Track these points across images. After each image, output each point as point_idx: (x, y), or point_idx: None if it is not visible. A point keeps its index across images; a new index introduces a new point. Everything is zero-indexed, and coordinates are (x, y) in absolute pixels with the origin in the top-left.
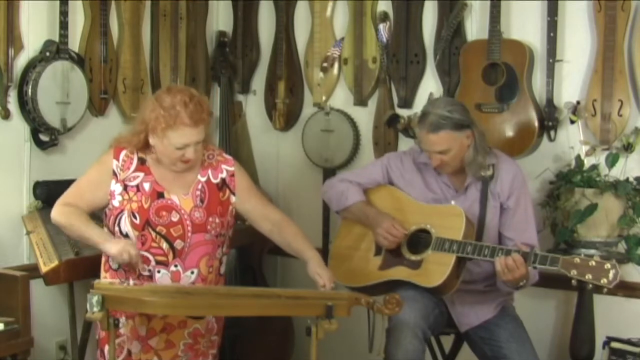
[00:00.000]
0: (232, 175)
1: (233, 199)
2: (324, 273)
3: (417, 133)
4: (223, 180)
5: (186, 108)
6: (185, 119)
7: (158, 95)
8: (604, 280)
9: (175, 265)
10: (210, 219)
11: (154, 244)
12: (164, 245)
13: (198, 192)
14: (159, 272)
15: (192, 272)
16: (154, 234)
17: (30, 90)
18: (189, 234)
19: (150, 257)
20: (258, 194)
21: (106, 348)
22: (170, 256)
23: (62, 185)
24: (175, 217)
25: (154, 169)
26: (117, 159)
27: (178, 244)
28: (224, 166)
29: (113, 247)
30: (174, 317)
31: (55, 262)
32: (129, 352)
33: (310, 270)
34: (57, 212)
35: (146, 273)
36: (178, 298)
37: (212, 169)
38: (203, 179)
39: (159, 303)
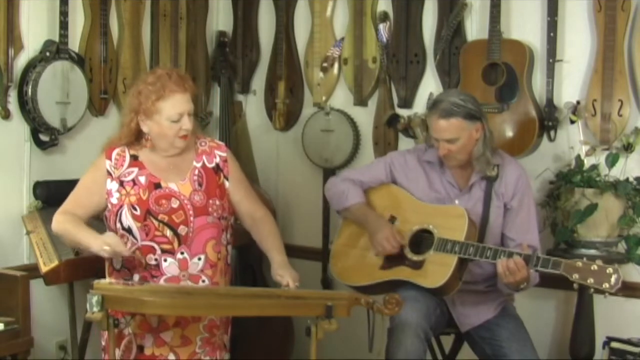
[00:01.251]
0: (225, 161)
1: (227, 184)
2: (286, 273)
3: (428, 120)
4: (217, 165)
5: (170, 78)
6: (173, 87)
7: (139, 79)
8: (605, 285)
9: (182, 253)
10: (211, 201)
11: (157, 233)
12: (168, 232)
13: (195, 177)
14: (165, 260)
15: (200, 259)
16: (156, 223)
17: (30, 90)
18: (192, 218)
19: (156, 246)
20: (248, 187)
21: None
22: (176, 243)
23: (62, 185)
24: (175, 204)
25: (148, 163)
26: (110, 159)
27: (182, 229)
28: (217, 152)
29: (94, 245)
30: None
31: (55, 262)
32: (141, 348)
33: (272, 271)
34: (54, 222)
35: (153, 262)
36: (178, 298)
37: (206, 155)
38: (199, 165)
39: (159, 303)
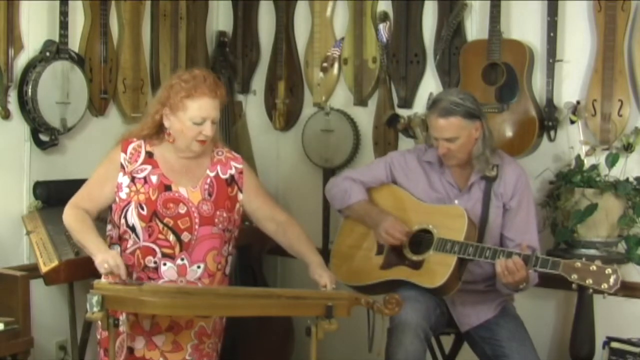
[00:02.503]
0: (241, 172)
1: (241, 196)
2: (325, 274)
3: (427, 119)
4: (232, 176)
5: (205, 80)
6: (205, 89)
7: (174, 74)
8: (604, 285)
9: (182, 259)
10: (218, 213)
11: (160, 236)
12: (171, 237)
13: (206, 186)
14: (164, 264)
15: (199, 267)
16: (161, 226)
17: (30, 90)
18: (197, 227)
19: (157, 249)
20: (265, 194)
21: None
22: (177, 249)
23: (62, 185)
24: (182, 210)
25: (162, 162)
26: (125, 152)
27: (185, 236)
28: (233, 163)
29: (97, 257)
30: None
31: (55, 262)
32: (131, 350)
33: (311, 272)
34: (65, 215)
35: (152, 265)
36: (178, 298)
37: (221, 165)
38: (212, 174)
39: (158, 303)
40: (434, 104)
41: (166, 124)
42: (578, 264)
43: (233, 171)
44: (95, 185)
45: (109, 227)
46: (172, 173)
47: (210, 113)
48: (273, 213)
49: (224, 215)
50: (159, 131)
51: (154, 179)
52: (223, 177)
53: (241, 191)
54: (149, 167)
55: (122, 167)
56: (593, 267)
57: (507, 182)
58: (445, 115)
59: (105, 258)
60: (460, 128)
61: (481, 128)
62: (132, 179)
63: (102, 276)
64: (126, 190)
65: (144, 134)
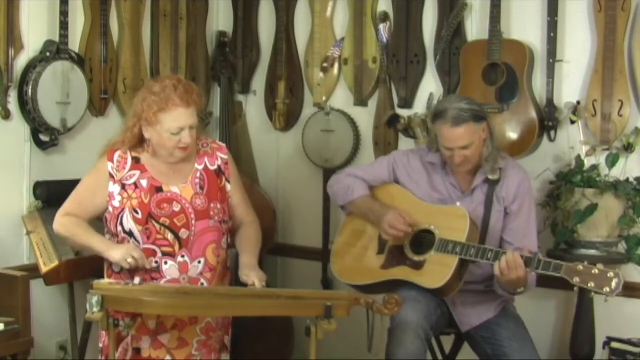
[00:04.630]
0: (226, 163)
1: (228, 187)
2: (252, 273)
3: (437, 131)
4: (219, 167)
5: (176, 90)
6: (177, 100)
7: (146, 85)
8: (606, 289)
9: (182, 256)
10: (212, 205)
11: (158, 236)
12: (169, 236)
13: (197, 180)
14: (165, 263)
15: (199, 262)
16: (157, 226)
17: (30, 90)
18: (193, 222)
19: (157, 249)
20: (244, 192)
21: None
22: (176, 246)
23: (62, 185)
24: (176, 207)
25: (149, 166)
26: (112, 161)
27: (183, 233)
28: (218, 153)
29: (116, 254)
30: None
31: (55, 262)
32: (137, 350)
33: (239, 273)
34: (58, 224)
35: (153, 265)
36: (177, 298)
37: (208, 157)
38: (200, 167)
39: (158, 303)
40: (440, 114)
41: (146, 135)
42: (580, 267)
43: (219, 162)
44: (85, 194)
45: (107, 236)
46: (161, 175)
47: (186, 122)
48: (244, 213)
49: (218, 206)
50: (140, 140)
51: (143, 182)
52: (211, 168)
53: (228, 182)
54: (137, 172)
55: (111, 175)
56: (595, 271)
57: (510, 185)
58: (458, 124)
59: (127, 252)
60: (473, 132)
61: (487, 128)
62: (123, 186)
63: (105, 275)
64: (118, 197)
65: (127, 147)
